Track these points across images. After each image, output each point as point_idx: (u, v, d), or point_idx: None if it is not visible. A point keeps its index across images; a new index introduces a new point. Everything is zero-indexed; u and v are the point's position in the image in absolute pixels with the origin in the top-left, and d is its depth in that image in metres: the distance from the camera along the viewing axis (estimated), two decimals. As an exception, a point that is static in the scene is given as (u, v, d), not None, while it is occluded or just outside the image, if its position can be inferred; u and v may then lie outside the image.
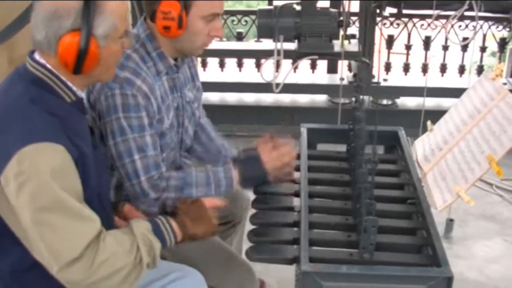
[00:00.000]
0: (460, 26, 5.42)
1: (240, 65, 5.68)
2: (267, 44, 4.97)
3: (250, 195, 2.55)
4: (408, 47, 5.60)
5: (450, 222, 3.81)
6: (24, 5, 2.92)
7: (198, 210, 2.08)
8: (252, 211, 2.39)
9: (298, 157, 2.63)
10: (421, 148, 2.51)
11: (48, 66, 1.81)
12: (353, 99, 2.62)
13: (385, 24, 5.47)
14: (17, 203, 1.70)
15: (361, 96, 2.48)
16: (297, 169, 2.57)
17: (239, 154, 2.54)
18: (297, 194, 2.39)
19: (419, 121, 3.55)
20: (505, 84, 5.15)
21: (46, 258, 1.73)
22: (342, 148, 2.73)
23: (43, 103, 1.78)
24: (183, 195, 2.19)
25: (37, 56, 1.82)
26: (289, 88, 4.52)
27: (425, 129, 2.68)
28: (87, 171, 1.80)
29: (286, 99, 5.40)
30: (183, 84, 2.39)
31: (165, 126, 2.27)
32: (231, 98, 5.47)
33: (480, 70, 5.58)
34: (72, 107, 1.85)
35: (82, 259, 1.71)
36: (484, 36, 5.51)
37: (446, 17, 4.19)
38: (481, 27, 5.33)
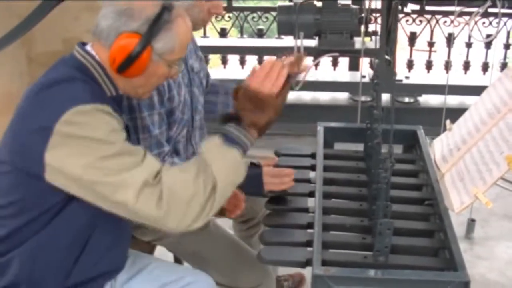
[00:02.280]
0: (483, 23, 5.34)
1: (260, 62, 5.63)
2: (287, 41, 4.93)
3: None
4: (431, 44, 5.54)
5: (471, 222, 3.75)
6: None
7: (256, 99, 1.98)
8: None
9: (314, 156, 2.60)
10: (439, 148, 2.45)
11: (97, 57, 1.83)
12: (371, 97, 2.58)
13: (407, 21, 5.41)
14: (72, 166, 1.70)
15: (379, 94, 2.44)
16: (313, 168, 2.53)
17: None
18: (311, 195, 2.36)
19: (441, 120, 3.48)
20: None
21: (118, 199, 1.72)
22: (361, 147, 2.68)
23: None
24: None
25: (88, 47, 1.85)
26: (310, 85, 4.48)
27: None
28: None
29: (307, 96, 5.36)
30: (188, 57, 2.45)
31: (175, 103, 2.32)
32: (252, 95, 5.41)
33: (504, 67, 5.49)
34: (112, 100, 1.85)
35: (148, 186, 1.70)
36: (508, 33, 5.42)
37: (470, 13, 4.12)
38: (505, 24, 5.26)
